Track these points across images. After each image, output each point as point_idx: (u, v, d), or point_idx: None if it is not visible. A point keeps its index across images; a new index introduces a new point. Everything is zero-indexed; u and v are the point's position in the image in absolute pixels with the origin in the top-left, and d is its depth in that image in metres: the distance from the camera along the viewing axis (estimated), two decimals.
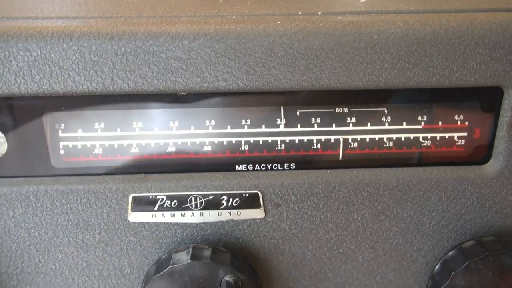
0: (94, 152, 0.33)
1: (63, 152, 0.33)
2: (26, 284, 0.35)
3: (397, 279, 0.36)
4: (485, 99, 0.32)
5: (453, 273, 0.32)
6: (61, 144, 0.33)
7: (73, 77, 0.29)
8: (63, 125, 0.32)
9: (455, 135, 0.34)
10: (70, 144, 0.33)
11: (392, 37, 0.30)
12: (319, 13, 0.32)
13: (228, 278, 0.32)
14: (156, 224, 0.34)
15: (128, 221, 0.33)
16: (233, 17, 0.31)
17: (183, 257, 0.32)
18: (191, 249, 0.33)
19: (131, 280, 0.35)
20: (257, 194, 0.33)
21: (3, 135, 0.32)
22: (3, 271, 0.34)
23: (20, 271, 0.34)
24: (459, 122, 0.33)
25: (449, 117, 0.33)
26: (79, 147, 0.33)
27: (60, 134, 0.32)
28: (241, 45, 0.29)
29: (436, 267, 0.34)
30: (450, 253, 0.34)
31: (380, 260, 0.35)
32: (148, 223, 0.33)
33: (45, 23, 0.30)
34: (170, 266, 0.32)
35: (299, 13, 0.32)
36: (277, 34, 0.29)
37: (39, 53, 0.29)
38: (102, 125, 0.32)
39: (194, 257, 0.32)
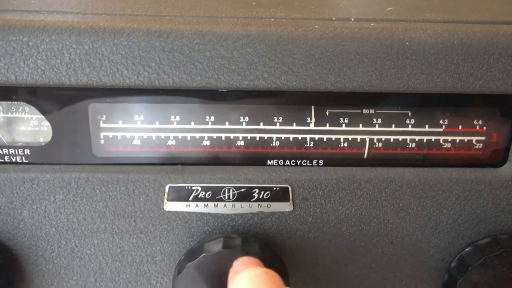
0: (132, 143, 0.34)
1: (103, 142, 0.34)
2: (61, 267, 0.36)
3: (414, 274, 0.38)
4: (504, 106, 0.35)
5: (469, 268, 0.34)
6: (102, 134, 0.34)
7: (121, 70, 0.31)
8: (104, 116, 0.34)
9: (474, 138, 0.36)
10: (111, 134, 0.34)
11: (423, 44, 0.32)
12: (352, 19, 0.34)
13: None
14: (190, 213, 0.35)
15: (163, 210, 0.35)
16: (272, 20, 0.33)
17: (215, 246, 0.34)
18: (222, 239, 0.34)
19: (162, 267, 0.37)
20: (287, 188, 0.35)
21: (48, 123, 0.33)
22: (40, 255, 0.36)
23: (56, 255, 0.36)
24: (477, 127, 0.35)
25: (469, 121, 0.35)
26: (119, 137, 0.34)
27: (101, 125, 0.34)
28: (281, 46, 0.31)
29: (453, 263, 0.36)
30: (466, 249, 0.36)
31: (398, 255, 0.37)
32: (182, 212, 0.35)
33: (95, 19, 0.31)
34: (203, 255, 0.33)
35: (333, 18, 0.34)
36: (315, 37, 0.31)
37: (90, 46, 0.30)
38: (141, 117, 0.34)
39: (225, 246, 0.33)
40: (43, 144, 0.34)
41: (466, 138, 0.36)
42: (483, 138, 0.36)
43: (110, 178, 0.34)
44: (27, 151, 0.34)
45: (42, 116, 0.33)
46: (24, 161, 0.34)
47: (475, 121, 0.35)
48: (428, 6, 0.39)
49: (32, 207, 0.34)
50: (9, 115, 0.34)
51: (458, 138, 0.36)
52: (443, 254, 0.37)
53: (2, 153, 0.34)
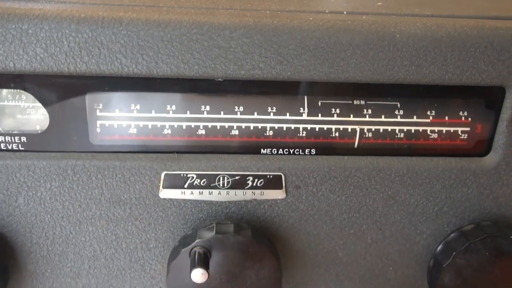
0: (129, 132, 0.35)
1: (99, 130, 0.35)
2: (55, 254, 0.37)
3: (401, 260, 0.39)
4: (488, 98, 0.36)
5: (454, 253, 0.36)
6: (98, 122, 0.35)
7: (120, 59, 0.32)
8: (101, 104, 0.34)
9: (459, 129, 0.37)
10: (107, 123, 0.35)
11: (412, 37, 0.33)
12: (345, 12, 0.35)
13: (197, 249, 0.34)
14: (184, 201, 0.36)
15: (159, 197, 0.35)
16: (267, 12, 0.34)
17: (208, 233, 0.34)
18: (215, 225, 0.35)
19: (156, 253, 0.37)
20: (280, 176, 0.36)
21: (46, 111, 0.34)
22: (34, 242, 0.36)
23: (51, 242, 0.36)
24: (463, 118, 0.37)
25: (455, 112, 0.37)
26: (115, 126, 0.35)
27: (98, 113, 0.34)
28: (277, 37, 0.32)
29: (439, 248, 0.37)
30: (451, 235, 0.37)
31: (386, 242, 0.39)
32: (177, 199, 0.36)
33: (95, 8, 0.32)
34: (197, 240, 0.34)
35: (327, 11, 0.35)
36: (310, 29, 0.32)
37: (90, 35, 0.31)
38: (138, 106, 0.35)
39: (218, 232, 0.34)
40: (40, 132, 0.34)
41: (452, 129, 0.37)
42: (468, 129, 0.37)
43: (106, 166, 0.34)
44: (23, 139, 0.34)
45: (39, 104, 0.34)
46: (20, 148, 0.34)
47: (461, 112, 0.37)
48: (416, 1, 0.40)
49: (28, 194, 0.35)
50: (6, 102, 0.34)
51: (444, 129, 0.37)
52: (429, 241, 0.39)
53: None
